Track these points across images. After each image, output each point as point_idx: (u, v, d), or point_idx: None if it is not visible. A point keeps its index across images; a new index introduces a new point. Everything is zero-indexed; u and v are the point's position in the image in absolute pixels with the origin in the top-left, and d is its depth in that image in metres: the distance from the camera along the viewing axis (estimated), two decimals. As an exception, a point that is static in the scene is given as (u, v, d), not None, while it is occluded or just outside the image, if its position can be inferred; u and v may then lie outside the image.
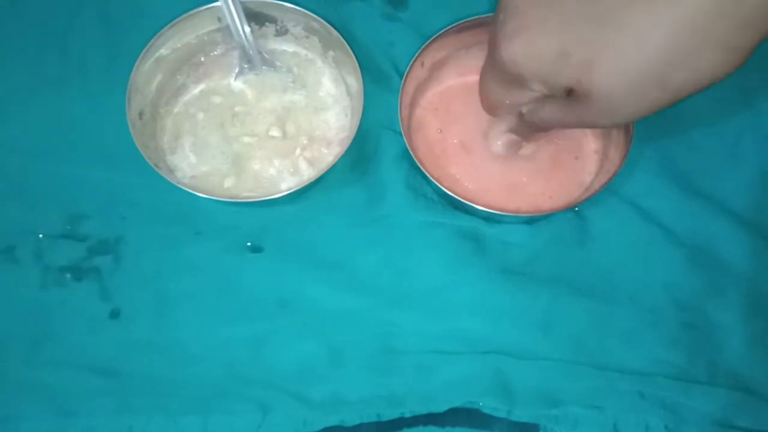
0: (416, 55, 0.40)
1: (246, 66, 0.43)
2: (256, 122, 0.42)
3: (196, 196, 0.37)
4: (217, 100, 0.43)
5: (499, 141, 0.40)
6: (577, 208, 0.42)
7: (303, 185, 0.38)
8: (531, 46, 0.28)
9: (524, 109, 0.34)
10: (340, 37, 0.40)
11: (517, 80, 0.30)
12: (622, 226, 0.42)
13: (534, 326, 0.40)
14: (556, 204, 0.40)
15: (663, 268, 0.41)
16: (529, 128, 0.36)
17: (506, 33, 0.28)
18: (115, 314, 0.40)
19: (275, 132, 0.42)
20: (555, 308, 0.40)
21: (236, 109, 0.43)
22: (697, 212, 0.42)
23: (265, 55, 0.43)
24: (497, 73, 0.31)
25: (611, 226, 0.42)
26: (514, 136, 0.39)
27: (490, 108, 0.36)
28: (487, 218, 0.41)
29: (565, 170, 0.41)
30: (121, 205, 0.42)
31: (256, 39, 0.42)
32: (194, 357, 0.39)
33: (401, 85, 0.40)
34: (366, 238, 0.41)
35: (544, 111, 0.32)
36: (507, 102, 0.33)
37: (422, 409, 0.38)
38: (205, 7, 0.41)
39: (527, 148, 0.41)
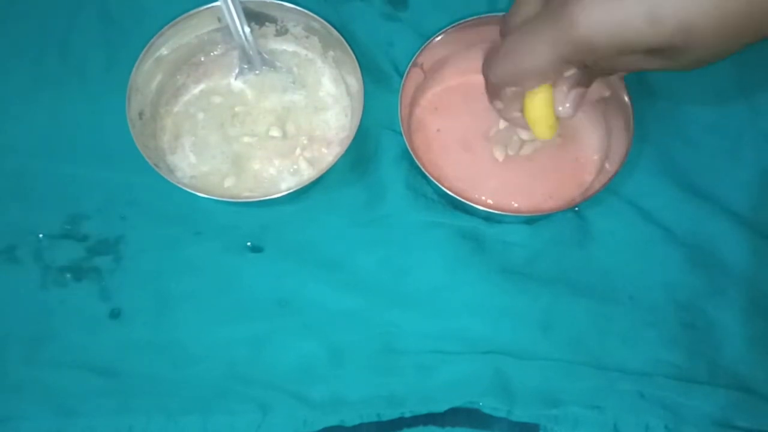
0: (416, 55, 0.40)
1: (246, 66, 0.43)
2: (256, 122, 0.42)
3: (196, 196, 0.37)
4: (217, 100, 0.43)
5: (567, 104, 0.33)
6: (577, 208, 0.42)
7: (303, 185, 0.38)
8: (617, 13, 0.25)
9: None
10: (340, 37, 0.40)
11: (576, 53, 0.27)
12: (622, 226, 0.42)
13: (534, 326, 0.40)
14: (556, 204, 0.40)
15: (663, 268, 0.41)
16: (591, 77, 0.32)
17: (578, 4, 0.25)
18: (115, 314, 0.40)
19: (275, 132, 0.42)
20: (555, 308, 0.40)
21: (236, 109, 0.43)
22: (697, 212, 0.42)
23: (265, 55, 0.43)
24: (552, 44, 0.28)
25: (611, 226, 0.42)
26: (580, 90, 0.33)
27: (511, 80, 0.32)
28: (487, 218, 0.41)
29: (565, 170, 0.41)
30: (121, 205, 0.42)
31: (256, 39, 0.42)
32: (194, 357, 0.39)
33: (401, 85, 0.40)
34: (366, 238, 0.41)
35: (618, 62, 0.29)
36: (541, 76, 0.30)
37: (422, 409, 0.38)
38: (205, 7, 0.41)
39: (527, 148, 0.41)
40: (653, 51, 0.27)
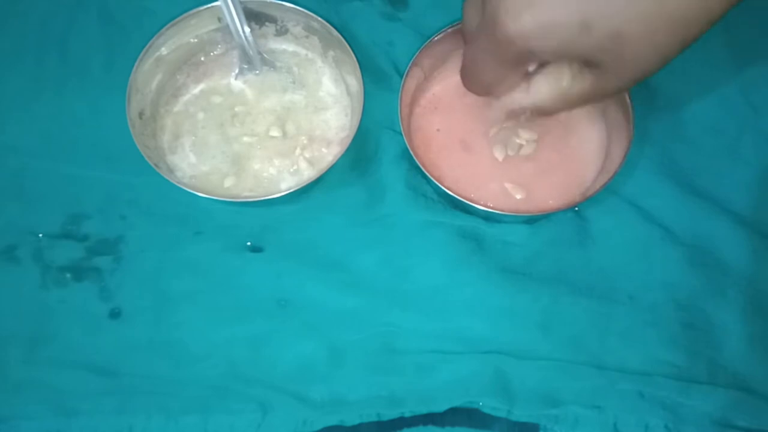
0: (416, 54, 0.40)
1: (246, 66, 0.43)
2: (256, 122, 0.42)
3: (196, 195, 0.37)
4: (217, 99, 0.43)
5: (498, 138, 0.38)
6: (577, 208, 0.42)
7: (303, 185, 0.38)
8: (546, 19, 0.26)
9: (524, 88, 0.32)
10: (340, 36, 0.40)
11: (520, 57, 0.28)
12: (622, 226, 0.42)
13: (534, 326, 0.40)
14: (556, 204, 0.40)
15: (663, 268, 0.41)
16: (530, 115, 0.34)
17: (510, 6, 0.26)
18: (115, 314, 0.40)
19: (275, 132, 0.42)
20: (555, 308, 0.40)
21: (236, 108, 0.43)
22: (697, 212, 0.42)
23: (265, 55, 0.43)
24: (494, 51, 0.29)
25: (611, 226, 0.42)
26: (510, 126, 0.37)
27: (481, 89, 0.33)
28: (487, 218, 0.41)
29: (565, 170, 0.41)
30: (121, 205, 0.42)
31: (256, 39, 0.42)
32: (194, 357, 0.39)
33: (401, 85, 0.40)
34: (366, 238, 0.41)
35: (550, 86, 0.30)
36: (504, 81, 0.31)
37: (422, 409, 0.38)
38: (205, 7, 0.41)
39: (527, 148, 0.41)
40: (591, 63, 0.28)
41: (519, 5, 0.26)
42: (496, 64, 0.30)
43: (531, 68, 0.32)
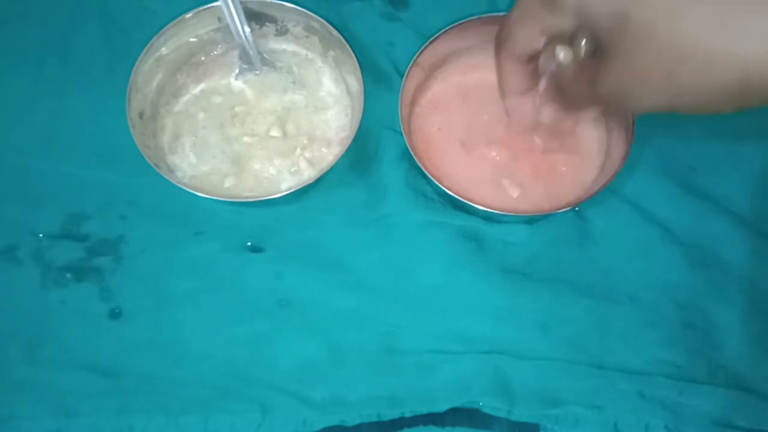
0: (416, 55, 0.40)
1: (246, 66, 0.43)
2: (256, 122, 0.42)
3: (197, 196, 0.37)
4: (217, 99, 0.43)
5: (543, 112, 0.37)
6: (577, 208, 0.42)
7: (303, 185, 0.38)
8: None
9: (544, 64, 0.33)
10: (341, 36, 0.40)
11: (555, 3, 0.29)
12: (622, 226, 0.42)
13: (534, 326, 0.40)
14: (556, 204, 0.40)
15: (663, 268, 0.41)
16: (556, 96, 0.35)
17: None
18: (115, 314, 0.40)
19: (275, 132, 0.42)
20: (555, 308, 0.40)
21: (236, 108, 0.43)
22: (697, 212, 0.42)
23: (265, 55, 0.43)
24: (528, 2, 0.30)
25: (611, 226, 0.42)
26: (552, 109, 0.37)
27: (505, 37, 0.34)
28: (487, 218, 0.41)
29: (565, 170, 0.41)
30: (121, 205, 0.42)
31: (256, 39, 0.42)
32: (194, 357, 0.39)
33: (401, 85, 0.40)
34: (366, 238, 0.41)
35: (565, 72, 0.31)
36: (530, 30, 0.32)
37: (422, 409, 0.38)
38: (205, 7, 0.41)
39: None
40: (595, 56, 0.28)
41: None
42: (524, 6, 0.31)
43: (542, 85, 0.33)
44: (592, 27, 0.28)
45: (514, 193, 0.40)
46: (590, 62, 0.30)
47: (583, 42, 0.30)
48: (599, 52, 0.28)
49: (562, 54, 0.33)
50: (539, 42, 0.32)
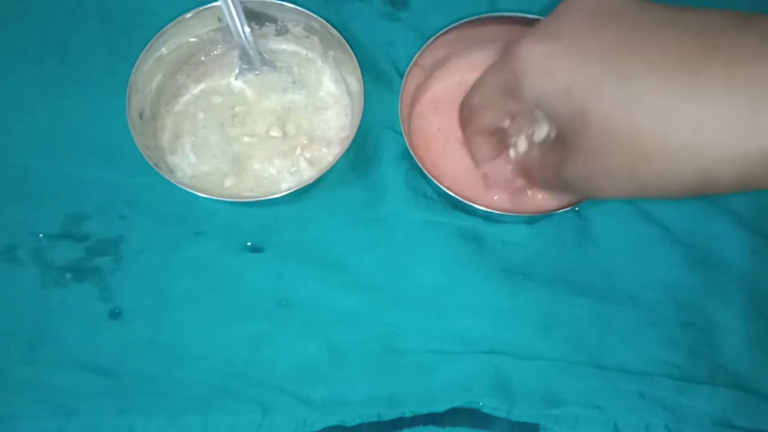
0: (416, 54, 0.40)
1: (246, 66, 0.43)
2: (256, 122, 0.42)
3: (196, 196, 0.37)
4: (217, 99, 0.43)
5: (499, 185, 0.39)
6: (577, 208, 0.42)
7: (303, 185, 0.38)
8: (549, 60, 0.26)
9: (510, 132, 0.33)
10: (341, 36, 0.40)
11: (514, 91, 0.29)
12: (622, 226, 0.42)
13: (534, 326, 0.40)
14: (557, 204, 0.40)
15: (663, 268, 0.41)
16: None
17: (539, 32, 0.27)
18: (115, 314, 0.40)
19: (275, 132, 0.42)
20: (555, 308, 0.40)
21: (236, 108, 0.43)
22: (697, 212, 0.42)
23: (265, 55, 0.43)
24: (493, 81, 0.30)
25: (611, 226, 0.42)
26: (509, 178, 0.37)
27: (470, 117, 0.34)
28: (487, 218, 0.41)
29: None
30: (121, 205, 0.42)
31: (256, 39, 0.42)
32: (194, 357, 0.39)
33: (402, 85, 0.40)
34: (366, 238, 0.41)
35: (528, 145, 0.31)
36: (493, 114, 0.32)
37: (422, 409, 0.38)
38: (205, 7, 0.41)
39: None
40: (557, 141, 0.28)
41: (546, 33, 0.26)
42: (489, 87, 0.31)
43: (506, 124, 0.33)
44: (553, 121, 0.28)
45: (517, 195, 0.40)
46: (554, 148, 0.30)
47: (546, 130, 0.30)
48: (562, 139, 0.28)
49: (522, 146, 0.33)
50: (504, 122, 0.32)
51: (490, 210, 0.37)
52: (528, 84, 0.27)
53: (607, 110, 0.24)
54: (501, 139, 0.35)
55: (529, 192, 0.39)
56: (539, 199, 0.40)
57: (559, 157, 0.28)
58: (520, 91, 0.28)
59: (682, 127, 0.23)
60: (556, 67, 0.26)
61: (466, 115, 0.34)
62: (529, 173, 0.33)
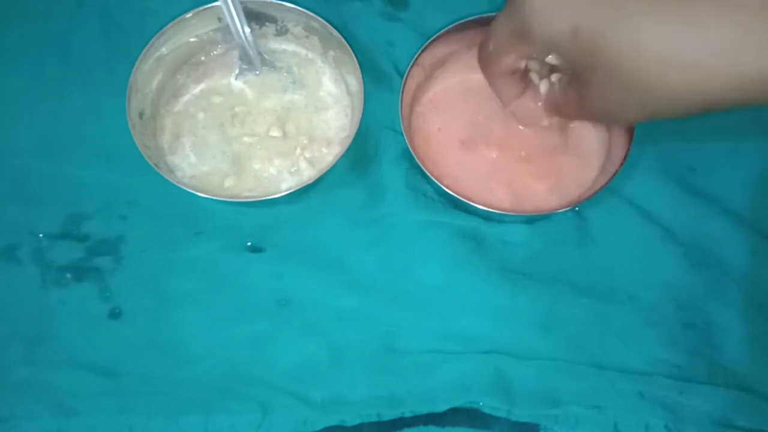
0: (416, 54, 0.40)
1: (246, 66, 0.43)
2: (256, 122, 0.42)
3: (196, 196, 0.37)
4: (217, 99, 0.43)
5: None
6: (577, 208, 0.42)
7: (303, 185, 0.38)
8: (553, 3, 0.28)
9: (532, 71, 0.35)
10: (341, 36, 0.40)
11: (524, 36, 0.31)
12: (622, 226, 0.42)
13: (534, 326, 0.40)
14: (556, 204, 0.40)
15: (663, 268, 0.41)
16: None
17: None
18: (115, 314, 0.40)
19: (275, 132, 0.42)
20: (555, 308, 0.40)
21: (236, 108, 0.43)
22: (697, 212, 0.42)
23: (265, 55, 0.43)
24: (511, 20, 0.32)
25: (611, 226, 0.42)
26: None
27: (488, 61, 0.36)
28: (487, 218, 0.41)
29: (565, 170, 0.41)
30: (121, 205, 0.42)
31: (256, 39, 0.42)
32: (194, 357, 0.39)
33: (402, 85, 0.40)
34: (366, 237, 0.41)
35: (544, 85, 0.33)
36: (509, 58, 0.34)
37: (422, 409, 0.38)
38: (205, 7, 0.41)
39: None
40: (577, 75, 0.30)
41: None
42: (502, 27, 0.33)
43: (522, 65, 0.35)
44: (565, 59, 0.30)
45: (517, 195, 0.40)
46: (572, 84, 0.32)
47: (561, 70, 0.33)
48: (576, 76, 0.31)
49: (542, 87, 0.35)
50: (521, 63, 0.34)
51: (490, 210, 0.38)
52: (536, 28, 0.29)
53: (612, 46, 0.26)
54: (522, 78, 0.36)
55: (559, 129, 0.40)
56: (540, 195, 0.40)
57: (578, 93, 0.31)
58: (529, 35, 0.30)
59: (682, 53, 0.25)
60: (560, 9, 0.28)
61: (485, 59, 0.36)
62: (559, 109, 0.35)
